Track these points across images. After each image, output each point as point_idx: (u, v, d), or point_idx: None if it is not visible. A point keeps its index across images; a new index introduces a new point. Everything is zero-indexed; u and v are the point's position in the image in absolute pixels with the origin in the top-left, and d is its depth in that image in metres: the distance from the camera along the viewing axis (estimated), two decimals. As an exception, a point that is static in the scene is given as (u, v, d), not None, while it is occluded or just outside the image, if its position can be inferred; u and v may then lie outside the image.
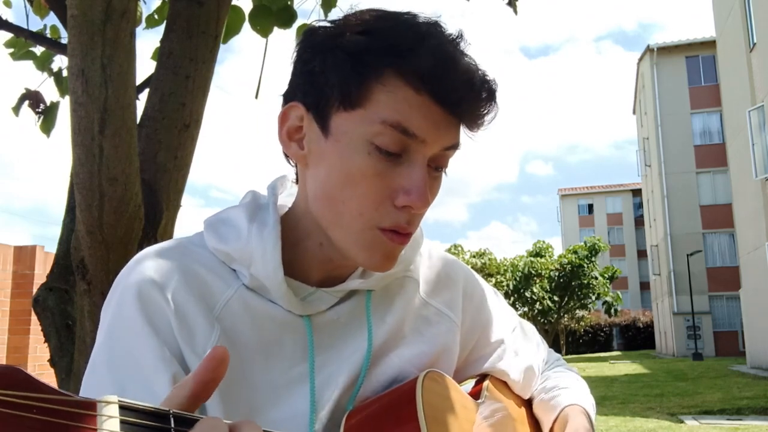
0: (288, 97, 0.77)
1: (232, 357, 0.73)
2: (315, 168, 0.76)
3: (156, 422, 0.44)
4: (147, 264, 0.76)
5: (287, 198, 0.86)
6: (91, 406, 0.41)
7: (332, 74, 0.71)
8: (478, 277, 1.00)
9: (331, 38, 0.73)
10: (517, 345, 1.00)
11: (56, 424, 0.39)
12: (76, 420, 0.40)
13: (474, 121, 0.73)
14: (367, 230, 0.73)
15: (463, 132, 0.76)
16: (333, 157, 0.73)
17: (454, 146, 0.75)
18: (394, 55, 0.69)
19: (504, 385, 0.97)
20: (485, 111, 0.73)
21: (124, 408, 0.43)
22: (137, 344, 0.71)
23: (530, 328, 1.07)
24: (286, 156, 0.80)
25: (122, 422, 0.42)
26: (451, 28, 0.74)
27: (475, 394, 0.90)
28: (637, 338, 42.88)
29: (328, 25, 0.75)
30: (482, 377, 0.96)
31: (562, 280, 37.02)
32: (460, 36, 0.73)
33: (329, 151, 0.73)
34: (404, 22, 0.71)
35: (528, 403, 1.02)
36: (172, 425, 0.45)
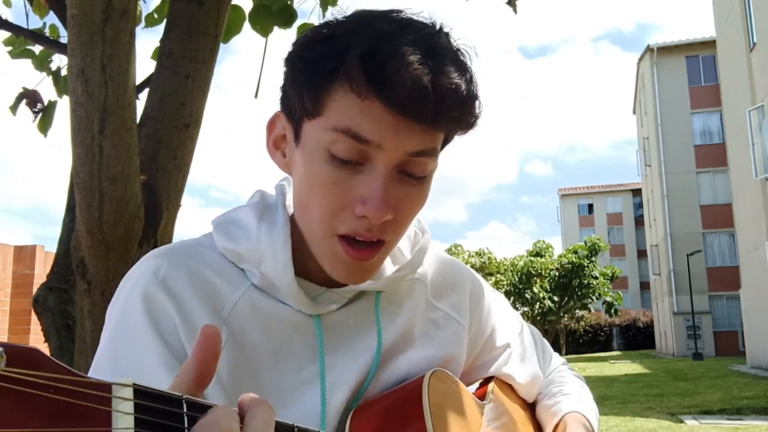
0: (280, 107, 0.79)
1: (241, 359, 0.73)
2: (293, 176, 0.77)
3: (169, 407, 0.46)
4: (153, 266, 0.75)
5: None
6: (105, 388, 0.42)
7: (294, 84, 0.72)
8: (484, 281, 1.00)
9: (297, 48, 0.73)
10: (523, 349, 1.00)
11: (72, 404, 0.40)
12: (91, 401, 0.41)
13: (439, 123, 0.70)
14: (327, 238, 0.73)
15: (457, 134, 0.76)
16: (301, 165, 0.73)
17: (424, 152, 0.71)
18: (344, 60, 0.67)
19: (509, 387, 0.98)
20: (445, 112, 0.68)
21: (138, 391, 0.44)
22: (141, 347, 0.71)
23: (535, 331, 1.08)
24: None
25: (136, 405, 0.43)
26: (432, 23, 0.72)
27: (481, 396, 0.91)
28: (637, 338, 42.88)
29: (303, 35, 0.76)
30: (487, 379, 0.96)
31: (562, 280, 37.02)
32: (435, 33, 0.70)
33: (298, 159, 0.74)
34: (367, 24, 0.70)
35: (531, 407, 1.02)
36: (185, 410, 0.46)
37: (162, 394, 0.46)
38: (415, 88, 0.66)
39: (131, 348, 0.71)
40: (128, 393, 0.43)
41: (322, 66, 0.69)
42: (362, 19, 0.71)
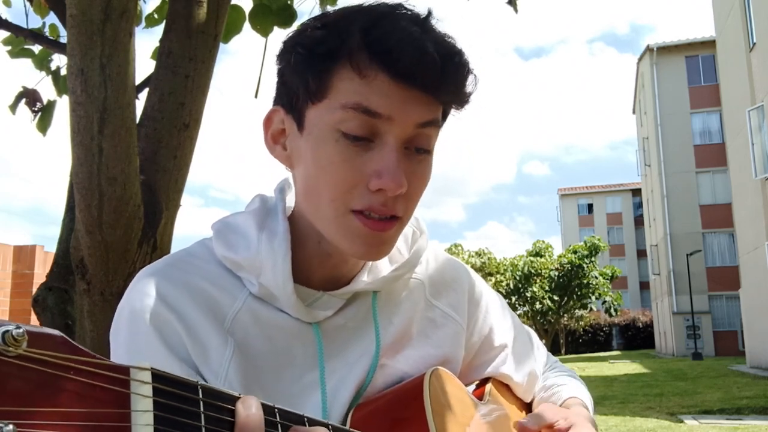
0: (273, 104, 0.80)
1: (246, 368, 0.74)
2: (298, 166, 0.77)
3: (185, 392, 0.47)
4: (152, 285, 0.75)
5: (293, 198, 0.86)
6: (124, 371, 0.43)
7: (296, 71, 0.73)
8: (482, 280, 1.00)
9: (293, 38, 0.75)
10: (520, 349, 1.00)
11: (91, 386, 0.41)
12: (109, 383, 0.42)
13: (442, 93, 0.71)
14: (340, 216, 0.73)
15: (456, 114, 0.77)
16: (308, 151, 0.74)
17: (431, 123, 0.73)
18: (346, 40, 0.69)
19: (506, 388, 0.98)
20: (448, 81, 0.71)
21: (156, 375, 0.45)
22: (160, 366, 0.71)
23: (530, 331, 1.08)
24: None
25: (154, 389, 0.44)
26: (419, 7, 0.74)
27: (479, 396, 0.91)
28: (637, 338, 42.85)
29: (295, 29, 0.77)
30: (485, 379, 0.96)
31: (561, 280, 37.02)
32: (425, 14, 0.73)
33: (304, 146, 0.75)
34: (360, 9, 0.72)
35: (529, 407, 1.02)
36: (200, 396, 0.48)
37: (178, 379, 0.47)
38: (420, 55, 0.68)
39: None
40: (146, 376, 0.44)
41: (324, 48, 0.70)
42: (356, 6, 0.73)
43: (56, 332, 0.40)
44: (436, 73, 0.69)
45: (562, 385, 1.00)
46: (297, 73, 0.73)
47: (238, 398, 0.53)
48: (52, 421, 0.38)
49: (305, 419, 0.59)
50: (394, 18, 0.70)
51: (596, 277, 36.83)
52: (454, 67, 0.70)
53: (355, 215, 0.72)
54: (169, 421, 0.44)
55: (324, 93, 0.71)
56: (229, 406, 0.51)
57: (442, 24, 0.74)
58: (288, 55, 0.74)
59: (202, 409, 0.47)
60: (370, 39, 0.68)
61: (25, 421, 0.36)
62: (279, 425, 0.55)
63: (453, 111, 0.78)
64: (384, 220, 0.73)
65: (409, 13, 0.71)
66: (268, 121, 0.80)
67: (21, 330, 0.37)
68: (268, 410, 0.54)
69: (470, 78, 0.73)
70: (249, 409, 0.52)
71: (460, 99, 0.75)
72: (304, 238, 0.79)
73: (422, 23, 0.71)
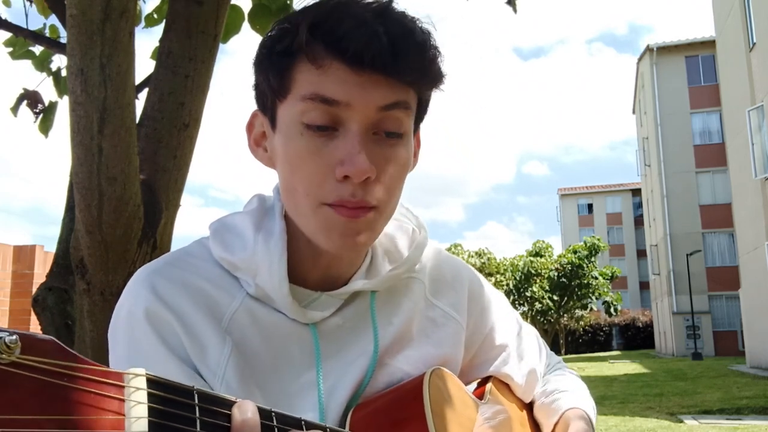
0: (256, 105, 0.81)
1: (244, 367, 0.74)
2: (277, 165, 0.78)
3: (181, 397, 0.47)
4: (149, 283, 0.75)
5: None
6: (118, 377, 0.43)
7: (261, 71, 0.75)
8: (483, 279, 0.99)
9: (261, 42, 0.76)
10: (521, 349, 0.99)
11: (85, 393, 0.40)
12: (104, 390, 0.41)
13: (402, 73, 0.71)
14: (316, 210, 0.73)
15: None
16: (280, 148, 0.75)
17: (396, 105, 0.72)
18: (300, 34, 0.70)
19: (506, 387, 0.97)
20: (406, 60, 0.70)
21: (151, 381, 0.44)
22: (159, 365, 0.71)
23: (532, 330, 1.07)
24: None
25: (149, 395, 0.44)
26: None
27: (479, 396, 0.91)
28: (637, 338, 42.85)
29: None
30: (485, 379, 0.96)
31: (561, 280, 37.02)
32: (387, 3, 0.72)
33: (277, 144, 0.75)
34: (316, 3, 0.72)
35: (529, 407, 1.02)
36: (196, 401, 0.47)
37: (174, 384, 0.47)
38: (369, 37, 0.68)
39: (151, 369, 0.72)
40: (141, 382, 0.44)
41: (282, 45, 0.71)
42: (314, 3, 0.73)
43: (50, 338, 0.39)
44: (388, 54, 0.68)
45: (564, 392, 0.99)
46: (262, 73, 0.75)
47: (235, 403, 0.52)
48: (46, 429, 0.37)
49: (303, 423, 0.58)
50: (346, 6, 0.70)
51: (596, 277, 36.84)
52: (409, 46, 0.70)
53: (329, 206, 0.72)
54: (165, 428, 0.44)
55: (287, 89, 0.72)
56: (226, 411, 0.51)
57: (413, 13, 0.73)
58: (256, 59, 0.76)
59: (197, 414, 0.47)
60: (323, 29, 0.69)
61: (18, 429, 0.36)
62: (276, 429, 0.55)
63: (428, 90, 0.77)
64: (357, 208, 0.72)
65: (365, 1, 0.71)
66: (249, 125, 0.81)
67: (14, 337, 0.37)
68: (264, 414, 0.54)
69: (434, 55, 0.72)
70: (245, 414, 0.52)
71: (428, 78, 0.74)
72: (298, 237, 0.79)
73: (377, 9, 0.70)
